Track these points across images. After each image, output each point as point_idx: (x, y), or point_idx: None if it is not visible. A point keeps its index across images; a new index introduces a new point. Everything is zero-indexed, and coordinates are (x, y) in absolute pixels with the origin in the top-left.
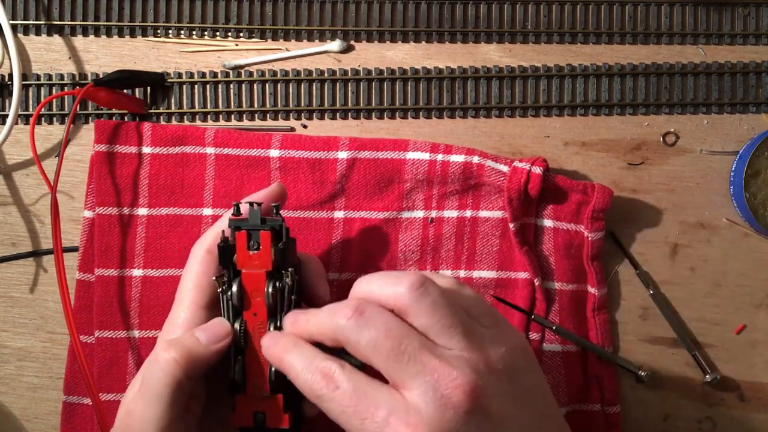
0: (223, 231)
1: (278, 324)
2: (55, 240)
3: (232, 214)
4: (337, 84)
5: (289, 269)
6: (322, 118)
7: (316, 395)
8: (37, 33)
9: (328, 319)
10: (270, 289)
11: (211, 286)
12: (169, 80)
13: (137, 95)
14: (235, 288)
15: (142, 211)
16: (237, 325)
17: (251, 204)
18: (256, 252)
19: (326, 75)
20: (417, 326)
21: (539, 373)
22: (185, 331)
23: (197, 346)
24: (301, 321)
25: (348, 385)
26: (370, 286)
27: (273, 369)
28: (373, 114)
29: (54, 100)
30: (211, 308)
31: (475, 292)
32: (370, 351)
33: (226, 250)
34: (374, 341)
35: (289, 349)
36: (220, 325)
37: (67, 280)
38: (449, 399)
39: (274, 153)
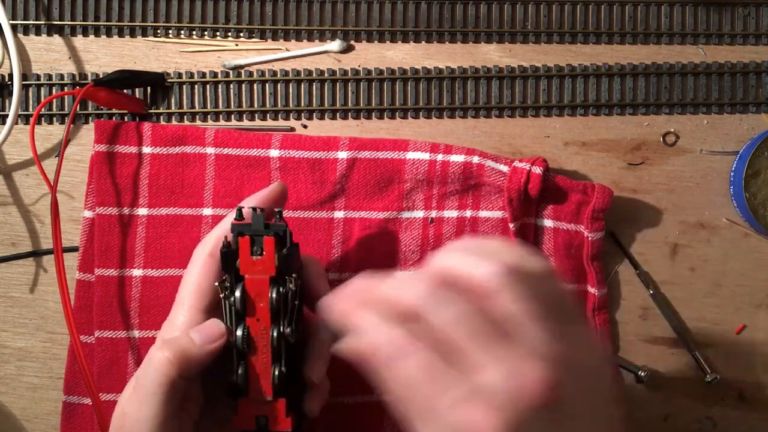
0: (225, 236)
1: (282, 330)
2: (55, 240)
3: (235, 218)
4: (337, 84)
5: (293, 275)
6: (322, 118)
7: (384, 358)
8: (37, 33)
9: (405, 289)
10: (274, 295)
11: (212, 290)
12: (169, 80)
13: (137, 95)
14: (238, 293)
15: (142, 211)
16: (240, 331)
17: (254, 209)
18: (259, 257)
19: (326, 75)
20: (500, 311)
21: (613, 387)
22: (181, 332)
23: (191, 346)
24: (371, 284)
25: (424, 355)
26: (455, 260)
27: (276, 373)
28: (373, 114)
29: (54, 100)
30: (211, 312)
31: (555, 275)
32: (449, 329)
33: (228, 255)
34: (456, 320)
35: (359, 306)
36: (215, 325)
37: (67, 280)
38: (525, 390)
39: (274, 153)
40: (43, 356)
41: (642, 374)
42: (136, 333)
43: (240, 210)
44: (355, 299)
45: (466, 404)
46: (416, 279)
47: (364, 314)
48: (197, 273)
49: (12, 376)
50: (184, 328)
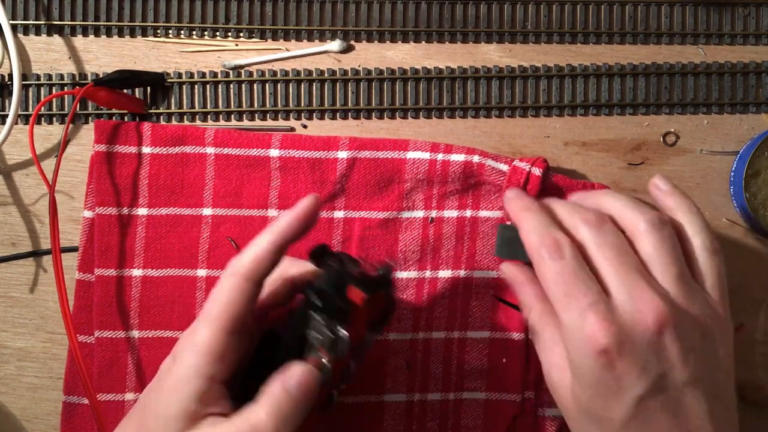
0: (337, 286)
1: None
2: (54, 240)
3: (313, 257)
4: (337, 84)
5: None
6: (322, 118)
7: (540, 255)
8: (37, 33)
9: (569, 214)
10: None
11: (244, 315)
12: (169, 80)
13: (137, 95)
14: (345, 342)
15: (142, 211)
16: (325, 362)
17: (386, 268)
18: (367, 308)
19: (326, 75)
20: (641, 252)
21: (730, 356)
22: (205, 353)
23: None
24: (541, 202)
25: (572, 261)
26: (616, 203)
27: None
28: (373, 114)
29: (54, 101)
30: (237, 333)
31: (720, 255)
32: (594, 250)
33: (335, 305)
34: (599, 244)
35: (530, 207)
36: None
37: (65, 280)
38: (643, 317)
39: (274, 153)
40: (43, 356)
41: None
42: (136, 333)
43: (325, 250)
44: (529, 200)
45: (593, 312)
46: (584, 211)
47: (529, 216)
48: (232, 297)
49: (12, 376)
50: (207, 349)
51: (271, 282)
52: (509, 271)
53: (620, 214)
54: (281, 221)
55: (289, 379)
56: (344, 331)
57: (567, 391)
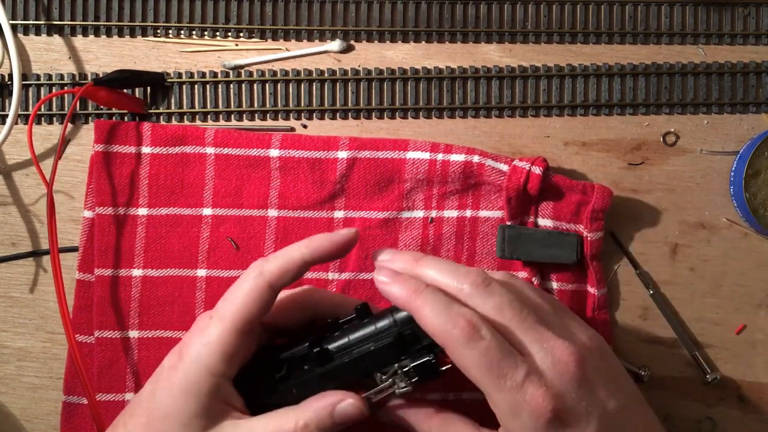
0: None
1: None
2: (51, 239)
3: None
4: (337, 84)
5: None
6: (322, 118)
7: (457, 342)
8: (37, 33)
9: (452, 278)
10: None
11: (258, 317)
12: (169, 80)
13: (137, 95)
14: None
15: (142, 211)
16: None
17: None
18: None
19: (326, 75)
20: (531, 302)
21: (617, 359)
22: (218, 351)
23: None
24: (414, 266)
25: (492, 339)
26: (432, 270)
27: None
28: (373, 114)
29: (54, 101)
30: (248, 335)
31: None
32: (494, 315)
33: (429, 359)
34: (499, 307)
35: (419, 290)
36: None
37: (66, 280)
38: (565, 366)
39: (274, 153)
40: (43, 356)
41: (643, 373)
42: (136, 333)
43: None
44: (414, 282)
45: (527, 385)
46: (466, 272)
47: (425, 301)
48: (251, 300)
49: (12, 376)
50: (217, 346)
51: (287, 302)
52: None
53: (440, 280)
54: (319, 240)
55: (341, 406)
56: (413, 382)
57: None
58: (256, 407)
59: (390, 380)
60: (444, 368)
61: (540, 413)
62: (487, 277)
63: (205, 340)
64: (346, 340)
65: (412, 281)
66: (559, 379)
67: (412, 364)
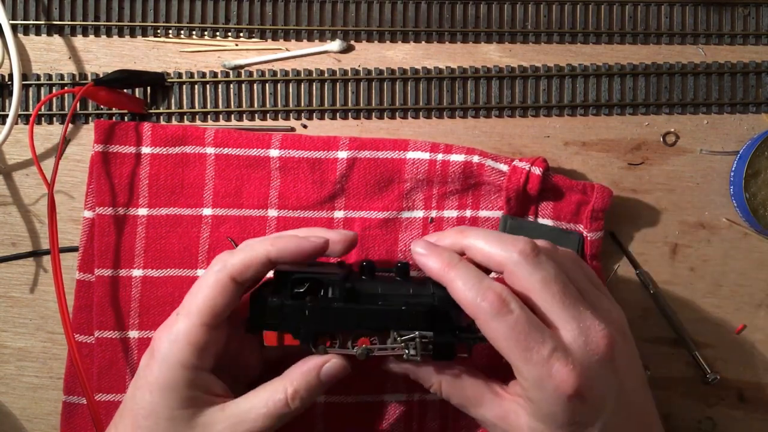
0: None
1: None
2: (52, 239)
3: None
4: (337, 84)
5: None
6: (322, 118)
7: (486, 314)
8: (37, 33)
9: (501, 247)
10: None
11: (225, 311)
12: (169, 80)
13: (137, 95)
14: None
15: (142, 211)
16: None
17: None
18: None
19: (326, 75)
20: (575, 278)
21: (633, 338)
22: (185, 344)
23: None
24: (460, 238)
25: (520, 312)
26: (479, 240)
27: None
28: (373, 114)
29: (54, 101)
30: (215, 329)
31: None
32: (539, 287)
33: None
34: (545, 280)
35: (454, 263)
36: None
37: (66, 280)
38: (596, 346)
39: (274, 153)
40: (43, 356)
41: (646, 373)
42: (136, 333)
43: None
44: (449, 254)
45: (556, 360)
46: (516, 242)
47: (459, 274)
48: (215, 293)
49: (12, 376)
50: (186, 339)
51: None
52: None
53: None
54: (286, 239)
55: (327, 367)
56: (424, 354)
57: (518, 430)
58: (256, 327)
59: (404, 344)
60: (462, 355)
61: (563, 389)
62: (535, 246)
63: (173, 336)
64: (377, 290)
65: (447, 254)
66: (588, 359)
67: (435, 340)
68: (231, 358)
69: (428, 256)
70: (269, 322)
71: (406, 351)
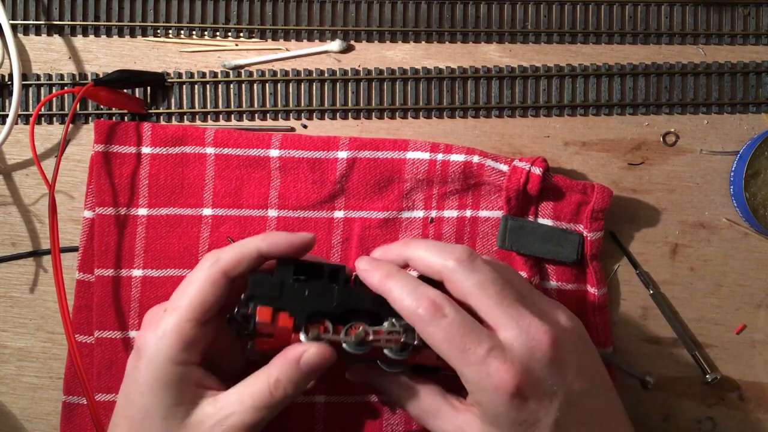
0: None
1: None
2: (53, 239)
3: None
4: (337, 84)
5: None
6: (322, 118)
7: (422, 320)
8: (37, 33)
9: (438, 255)
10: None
11: (215, 308)
12: (169, 80)
13: (137, 95)
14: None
15: (142, 212)
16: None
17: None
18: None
19: (326, 75)
20: (514, 281)
21: (592, 345)
22: (173, 341)
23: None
24: (404, 250)
25: (456, 316)
26: (420, 250)
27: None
28: (373, 114)
29: (55, 101)
30: (206, 324)
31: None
32: (475, 291)
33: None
34: (481, 284)
35: (392, 274)
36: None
37: (66, 280)
38: (539, 344)
39: (274, 153)
40: (43, 356)
41: (648, 379)
42: (136, 333)
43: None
44: (389, 267)
45: (493, 359)
46: (452, 249)
47: (395, 284)
48: (205, 288)
49: (12, 376)
50: (171, 336)
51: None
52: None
53: (425, 260)
54: (276, 236)
55: (306, 356)
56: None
57: None
58: (254, 298)
59: (400, 328)
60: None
61: (503, 387)
62: (471, 253)
63: (161, 333)
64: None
65: (386, 266)
66: (530, 357)
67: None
68: (219, 353)
69: (369, 271)
70: (268, 295)
71: (400, 335)
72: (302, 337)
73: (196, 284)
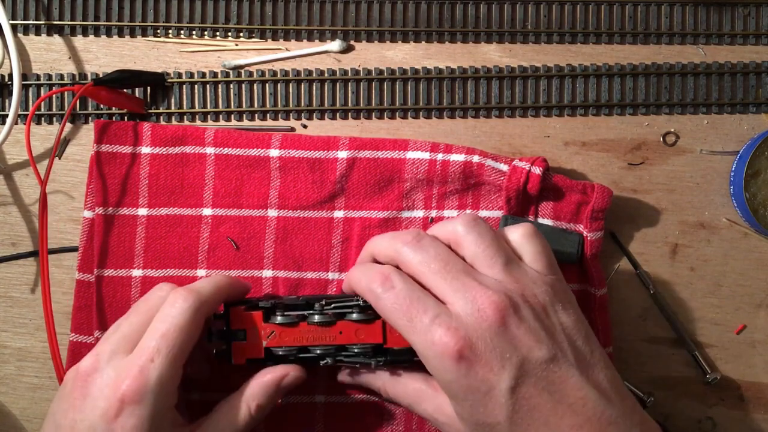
0: None
1: None
2: (42, 237)
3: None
4: (337, 84)
5: None
6: (321, 118)
7: (374, 293)
8: (37, 33)
9: (389, 242)
10: None
11: (190, 346)
12: (168, 80)
13: (137, 95)
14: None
15: (141, 212)
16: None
17: None
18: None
19: (326, 75)
20: (465, 256)
21: (582, 321)
22: (171, 388)
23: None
24: (369, 246)
25: (402, 285)
26: (434, 230)
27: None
28: (373, 114)
29: (55, 101)
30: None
31: (531, 239)
32: (420, 268)
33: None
34: (425, 261)
35: (356, 267)
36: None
37: (62, 280)
38: (484, 313)
39: (274, 153)
40: (43, 356)
41: (649, 399)
42: None
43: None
44: (356, 266)
45: (438, 325)
46: (402, 233)
47: (355, 270)
48: (191, 330)
49: (12, 376)
50: (170, 385)
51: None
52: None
53: (437, 233)
54: (229, 279)
55: (287, 380)
56: None
57: (453, 419)
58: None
59: (358, 300)
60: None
61: (446, 352)
62: (418, 234)
63: (156, 380)
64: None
65: (357, 266)
66: (475, 325)
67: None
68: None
69: (346, 276)
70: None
71: (354, 300)
72: (274, 319)
73: (180, 326)
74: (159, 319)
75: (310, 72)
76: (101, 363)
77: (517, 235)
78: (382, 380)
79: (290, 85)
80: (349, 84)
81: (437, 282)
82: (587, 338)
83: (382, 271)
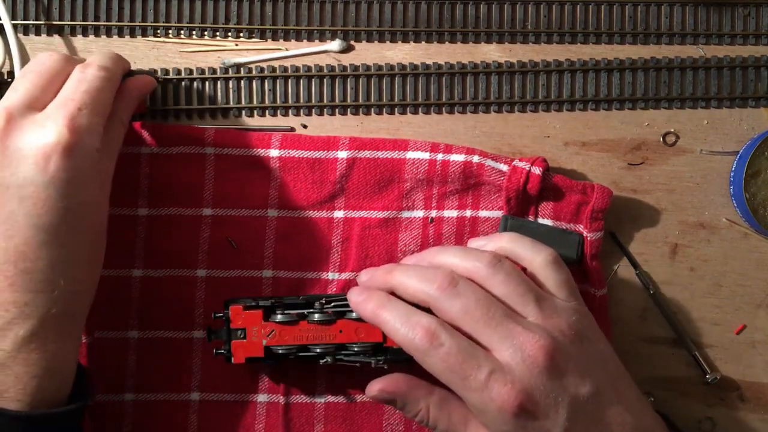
0: None
1: None
2: None
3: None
4: (336, 80)
5: None
6: (321, 114)
7: (419, 350)
8: (37, 33)
9: (420, 284)
10: None
11: (107, 112)
12: (168, 80)
13: None
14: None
15: (142, 211)
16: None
17: None
18: None
19: (326, 71)
20: (496, 292)
21: (606, 341)
22: (97, 135)
23: None
24: (388, 278)
25: (452, 342)
26: (451, 258)
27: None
28: (373, 110)
29: None
30: None
31: (556, 268)
32: (461, 317)
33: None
34: (466, 309)
35: (384, 304)
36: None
37: None
38: (535, 358)
39: (273, 153)
40: None
41: (648, 400)
42: (136, 333)
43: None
44: (380, 296)
45: (494, 382)
46: (432, 275)
47: (389, 314)
48: (102, 90)
49: None
50: (91, 128)
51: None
52: (389, 383)
53: (459, 269)
54: (113, 52)
55: None
56: None
57: None
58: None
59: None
60: None
61: (506, 408)
62: (453, 278)
63: (87, 128)
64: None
65: (377, 296)
66: (528, 374)
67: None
68: None
69: (361, 303)
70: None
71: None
72: (274, 318)
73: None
74: (76, 79)
75: (309, 69)
76: (16, 118)
77: (541, 262)
78: (425, 401)
79: (289, 81)
80: (349, 80)
81: (481, 330)
82: (613, 358)
83: (425, 326)
